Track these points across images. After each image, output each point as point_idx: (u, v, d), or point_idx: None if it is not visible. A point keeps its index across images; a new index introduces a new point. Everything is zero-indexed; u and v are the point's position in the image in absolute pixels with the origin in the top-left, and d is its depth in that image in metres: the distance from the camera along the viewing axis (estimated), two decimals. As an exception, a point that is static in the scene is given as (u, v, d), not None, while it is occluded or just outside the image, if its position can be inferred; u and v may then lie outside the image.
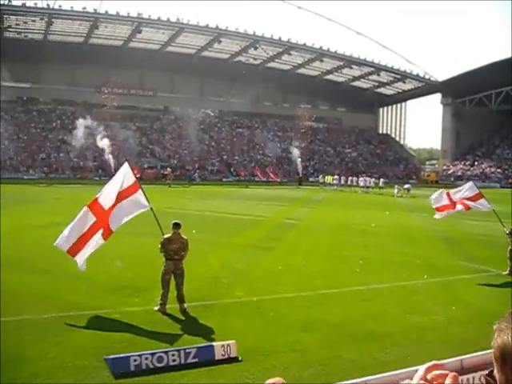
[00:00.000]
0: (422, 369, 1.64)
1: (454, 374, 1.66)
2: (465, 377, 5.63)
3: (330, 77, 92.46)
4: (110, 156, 61.69)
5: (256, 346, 8.72)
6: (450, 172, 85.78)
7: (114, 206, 11.05)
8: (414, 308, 11.28)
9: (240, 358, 8.21)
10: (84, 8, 70.05)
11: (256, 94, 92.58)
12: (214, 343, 8.38)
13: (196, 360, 8.01)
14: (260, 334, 9.32)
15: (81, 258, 10.99)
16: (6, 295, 11.35)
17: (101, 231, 10.98)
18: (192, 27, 75.44)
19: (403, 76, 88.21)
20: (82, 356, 8.16)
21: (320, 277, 13.96)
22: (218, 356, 8.15)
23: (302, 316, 10.44)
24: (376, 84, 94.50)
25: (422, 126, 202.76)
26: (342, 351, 8.65)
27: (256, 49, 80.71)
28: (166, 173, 62.25)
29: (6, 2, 66.90)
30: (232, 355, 8.21)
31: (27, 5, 67.80)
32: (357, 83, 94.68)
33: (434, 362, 1.88)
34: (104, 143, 69.35)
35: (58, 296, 11.44)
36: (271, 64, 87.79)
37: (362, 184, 58.42)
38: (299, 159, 72.86)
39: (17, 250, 16.84)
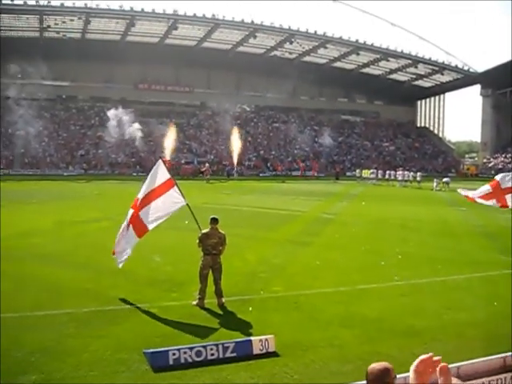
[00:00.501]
0: (416, 361, 1.63)
1: (444, 364, 1.64)
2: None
3: (366, 70, 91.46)
4: (147, 152, 62.32)
5: (294, 341, 8.72)
6: (490, 165, 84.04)
7: (147, 204, 11.19)
8: (453, 303, 11.11)
9: (278, 353, 8.22)
10: (120, 6, 70.87)
11: (292, 88, 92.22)
12: (252, 338, 8.41)
13: (234, 354, 8.05)
14: (298, 329, 9.31)
15: (118, 254, 11.21)
16: (48, 289, 11.63)
17: (131, 228, 11.14)
18: (227, 23, 75.56)
19: (441, 68, 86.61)
20: (122, 349, 8.29)
21: (358, 272, 13.88)
22: (256, 350, 8.17)
23: (340, 311, 10.40)
24: (414, 76, 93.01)
25: (461, 118, 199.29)
26: (380, 347, 8.58)
27: (291, 43, 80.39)
28: (203, 169, 61.12)
29: (46, 3, 68.06)
30: (270, 350, 8.23)
31: (65, 5, 68.90)
32: (394, 76, 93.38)
33: (429, 355, 1.86)
34: (141, 139, 70.20)
35: (99, 290, 11.63)
36: (307, 58, 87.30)
37: (399, 178, 57.80)
38: (336, 153, 72.44)
39: (58, 246, 17.19)
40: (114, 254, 11.46)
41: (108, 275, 12.81)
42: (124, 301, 10.80)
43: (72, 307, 10.29)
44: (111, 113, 75.45)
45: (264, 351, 8.19)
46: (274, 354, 8.18)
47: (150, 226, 11.21)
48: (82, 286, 11.94)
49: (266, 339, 8.28)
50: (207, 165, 62.98)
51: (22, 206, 29.11)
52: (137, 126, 72.60)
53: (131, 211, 11.34)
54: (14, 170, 66.23)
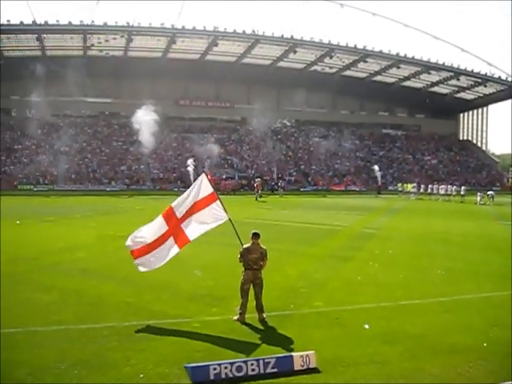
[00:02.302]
0: None
1: None
2: None
3: (407, 83, 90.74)
4: (189, 167, 62.74)
5: (335, 357, 8.61)
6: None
7: (189, 215, 11.27)
8: (499, 320, 10.80)
9: (319, 369, 8.14)
10: (162, 24, 72.09)
11: (332, 102, 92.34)
12: (293, 353, 8.33)
13: (275, 370, 7.98)
14: (339, 345, 9.20)
15: (144, 262, 11.25)
16: (91, 303, 11.79)
17: (171, 239, 11.22)
18: (267, 38, 76.07)
19: (484, 79, 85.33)
20: (163, 363, 8.31)
21: (401, 287, 13.67)
22: (297, 366, 8.09)
23: (382, 327, 10.24)
24: (456, 89, 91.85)
25: (505, 130, 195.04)
26: (424, 364, 8.40)
27: (331, 57, 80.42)
28: (255, 184, 55.99)
29: (90, 22, 69.68)
30: (311, 366, 8.14)
31: (108, 23, 70.41)
32: (435, 89, 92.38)
33: None
34: (183, 155, 70.88)
35: (141, 304, 11.72)
36: (347, 72, 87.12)
37: (442, 192, 56.96)
38: (378, 168, 71.84)
39: (101, 260, 17.44)
40: (135, 257, 11.40)
41: (149, 289, 12.92)
42: (165, 315, 10.86)
43: (114, 321, 10.40)
44: (153, 129, 76.56)
45: (305, 367, 8.10)
46: (314, 371, 8.08)
47: (192, 238, 11.29)
48: (124, 299, 12.06)
49: (307, 355, 8.20)
50: (259, 179, 59.97)
51: (66, 221, 29.70)
52: (178, 141, 73.48)
53: (162, 220, 11.37)
54: (59, 186, 67.61)
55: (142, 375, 7.85)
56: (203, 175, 11.76)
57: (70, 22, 69.74)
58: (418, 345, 9.26)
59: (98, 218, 32.55)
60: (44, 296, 12.35)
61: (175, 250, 11.24)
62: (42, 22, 68.99)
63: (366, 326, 8.72)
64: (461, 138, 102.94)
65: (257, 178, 63.99)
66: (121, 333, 9.73)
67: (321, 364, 8.22)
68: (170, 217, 11.31)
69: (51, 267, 15.93)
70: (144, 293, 12.72)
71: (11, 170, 69.64)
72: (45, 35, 71.55)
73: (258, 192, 53.19)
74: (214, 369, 7.79)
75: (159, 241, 11.15)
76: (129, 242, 11.33)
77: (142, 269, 11.37)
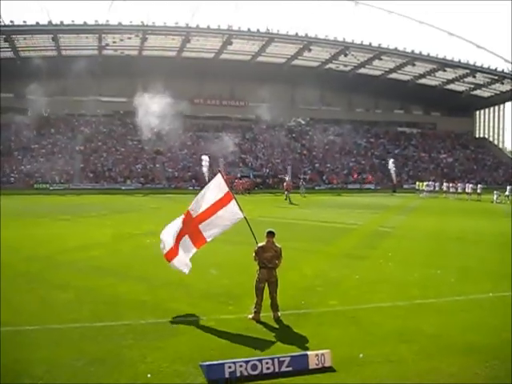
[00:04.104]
0: None
1: None
2: None
3: (422, 81, 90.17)
4: (204, 166, 62.79)
5: (351, 356, 8.58)
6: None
7: (205, 215, 11.31)
8: (517, 320, 10.72)
9: (334, 368, 8.12)
10: (176, 23, 72.25)
11: (347, 100, 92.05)
12: (308, 352, 8.32)
13: (290, 368, 7.97)
14: (355, 344, 9.16)
15: (179, 263, 11.32)
16: (106, 301, 11.85)
17: (187, 238, 11.26)
18: (281, 37, 75.99)
19: (501, 77, 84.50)
20: (179, 361, 8.34)
21: (416, 286, 13.59)
22: (312, 365, 8.07)
23: (398, 326, 10.19)
24: (472, 86, 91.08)
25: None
26: (440, 363, 8.35)
27: (346, 55, 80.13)
28: (286, 184, 50.31)
29: (105, 22, 70.03)
30: (326, 365, 8.12)
31: (123, 23, 70.73)
32: (451, 86, 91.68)
33: None
34: (198, 154, 70.99)
35: (156, 303, 11.76)
36: (362, 70, 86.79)
37: (458, 190, 56.60)
38: (393, 166, 71.51)
39: (116, 258, 17.53)
40: (169, 260, 11.48)
41: (165, 288, 12.97)
42: (180, 313, 10.89)
43: (130, 319, 10.45)
44: (168, 127, 76.80)
45: (320, 366, 8.09)
46: (330, 369, 8.06)
47: (209, 238, 11.34)
48: (140, 298, 12.11)
49: (323, 354, 8.19)
50: (288, 179, 55.60)
51: (82, 220, 29.90)
52: (193, 140, 73.65)
53: (179, 221, 11.43)
54: (74, 184, 68.08)
55: (157, 373, 7.89)
56: (219, 174, 11.79)
57: (85, 22, 70.13)
58: (434, 344, 9.20)
59: (113, 216, 32.73)
60: (60, 294, 12.44)
61: (193, 250, 11.30)
62: (58, 23, 69.48)
63: (361, 356, 8.66)
64: (477, 136, 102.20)
65: (284, 177, 61.07)
66: (136, 331, 9.78)
67: (336, 363, 8.20)
68: (186, 217, 11.40)
69: (67, 265, 16.05)
70: (159, 291, 12.77)
71: (27, 169, 70.19)
72: (60, 35, 72.01)
73: (287, 192, 47.06)
74: (229, 367, 7.80)
75: (179, 238, 11.23)
76: (161, 246, 11.48)
77: (184, 270, 11.43)
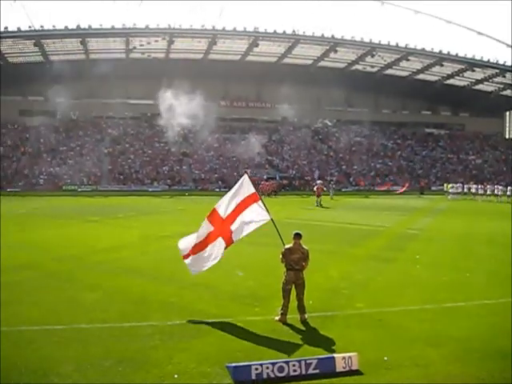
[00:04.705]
0: None
1: None
2: None
3: (450, 81, 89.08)
4: (230, 168, 62.92)
5: (377, 359, 8.52)
6: None
7: (234, 216, 11.34)
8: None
9: (361, 371, 8.08)
10: (202, 26, 72.62)
11: (374, 101, 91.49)
12: (335, 355, 8.29)
13: (317, 371, 7.95)
14: (382, 347, 9.09)
15: (194, 263, 11.36)
16: (134, 302, 11.96)
17: (220, 240, 11.29)
18: (308, 38, 75.85)
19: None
20: (205, 362, 8.36)
21: (445, 289, 13.46)
22: (339, 368, 8.04)
23: (426, 330, 10.09)
24: (501, 86, 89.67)
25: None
26: (469, 368, 8.24)
27: (373, 56, 79.56)
28: (316, 187, 46.57)
29: (132, 25, 70.68)
30: (353, 368, 8.08)
31: (150, 26, 71.30)
32: (480, 86, 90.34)
33: None
34: (224, 155, 71.17)
35: (183, 304, 11.83)
36: (389, 71, 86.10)
37: (488, 192, 55.84)
38: (420, 168, 70.85)
39: (144, 259, 17.66)
40: (184, 258, 11.56)
41: (192, 289, 13.02)
42: (208, 314, 10.94)
43: (157, 320, 10.52)
44: (194, 129, 77.25)
45: (347, 369, 8.05)
46: (357, 372, 8.02)
47: (235, 239, 11.38)
48: (167, 299, 12.19)
49: (350, 357, 8.15)
50: (320, 182, 52.11)
51: (110, 221, 30.19)
52: (220, 142, 73.90)
53: (207, 222, 11.48)
54: (102, 186, 68.77)
55: (183, 374, 7.93)
56: (245, 176, 11.82)
57: (112, 26, 70.83)
58: (463, 348, 9.09)
59: (140, 218, 33.00)
60: (89, 294, 12.59)
61: (222, 250, 11.32)
62: (86, 27, 70.33)
63: (386, 359, 8.58)
64: (507, 137, 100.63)
65: (318, 180, 59.30)
66: (163, 331, 9.84)
67: (363, 366, 8.16)
68: (214, 218, 11.40)
69: (96, 266, 16.23)
70: (186, 292, 12.83)
71: (56, 171, 71.10)
72: (88, 39, 72.82)
73: (319, 197, 44.15)
74: (256, 369, 7.80)
75: (208, 240, 11.26)
76: (180, 247, 11.60)
77: (193, 270, 11.53)
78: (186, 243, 11.55)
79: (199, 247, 11.28)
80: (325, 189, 50.65)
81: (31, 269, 15.70)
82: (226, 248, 11.34)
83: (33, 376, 7.81)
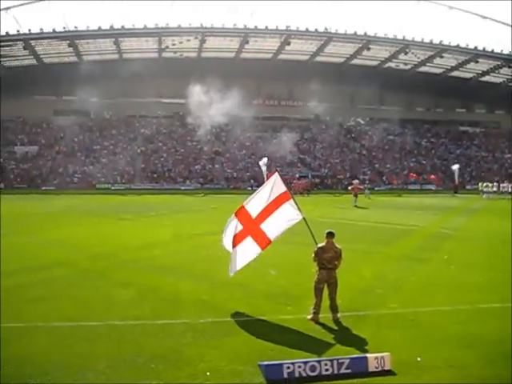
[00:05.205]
0: None
1: None
2: None
3: (486, 78, 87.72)
4: (262, 166, 62.91)
5: (410, 360, 8.43)
6: None
7: (265, 216, 11.31)
8: None
9: (394, 371, 8.01)
10: (234, 24, 72.77)
11: (407, 99, 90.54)
12: (367, 355, 8.23)
13: (349, 371, 7.91)
14: (414, 348, 9.00)
15: (231, 264, 11.40)
16: (167, 299, 12.05)
17: (250, 239, 11.28)
18: (340, 36, 75.51)
19: None
20: (237, 361, 8.38)
21: (479, 290, 13.25)
22: (372, 368, 7.99)
23: (459, 331, 9.94)
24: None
25: None
26: (503, 371, 8.07)
27: (406, 53, 78.81)
28: (351, 187, 46.11)
29: (164, 25, 71.21)
30: (386, 368, 8.01)
31: (182, 26, 71.73)
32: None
33: None
34: (256, 154, 71.12)
35: (215, 302, 11.88)
36: (422, 68, 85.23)
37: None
38: (455, 166, 69.91)
39: (176, 257, 17.78)
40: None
41: (224, 287, 13.06)
42: (239, 313, 10.98)
43: (189, 317, 10.57)
44: (226, 128, 77.48)
45: (379, 369, 7.99)
46: (389, 373, 7.95)
47: (272, 238, 11.33)
48: (199, 297, 12.25)
49: (382, 357, 8.09)
50: (356, 181, 50.44)
51: (143, 219, 30.48)
52: (252, 140, 73.91)
53: (235, 219, 11.51)
54: (135, 185, 69.47)
55: (215, 372, 7.97)
56: (276, 174, 11.77)
57: (145, 26, 71.55)
58: (498, 351, 8.92)
59: (173, 216, 33.24)
60: (122, 291, 12.73)
61: (257, 250, 11.30)
62: (119, 27, 71.11)
63: (418, 359, 8.48)
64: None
65: (354, 179, 58.13)
66: (196, 329, 9.89)
67: (396, 366, 8.09)
68: (244, 216, 11.39)
69: (129, 264, 16.41)
70: (218, 290, 12.87)
71: (90, 170, 72.09)
72: (121, 39, 73.63)
73: (355, 196, 42.96)
74: (288, 367, 7.80)
75: (238, 239, 11.27)
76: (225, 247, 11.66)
77: (231, 270, 11.46)
78: (225, 244, 11.59)
79: (233, 245, 11.33)
80: (362, 187, 50.16)
81: (66, 266, 15.96)
82: (263, 249, 11.29)
83: (68, 371, 7.94)
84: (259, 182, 58.75)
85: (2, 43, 71.44)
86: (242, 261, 11.30)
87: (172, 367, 8.15)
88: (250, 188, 64.52)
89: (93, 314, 10.77)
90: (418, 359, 8.42)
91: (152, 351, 8.74)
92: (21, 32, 70.13)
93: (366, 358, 8.11)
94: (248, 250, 11.25)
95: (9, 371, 7.96)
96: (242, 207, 11.50)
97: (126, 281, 13.90)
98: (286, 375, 7.74)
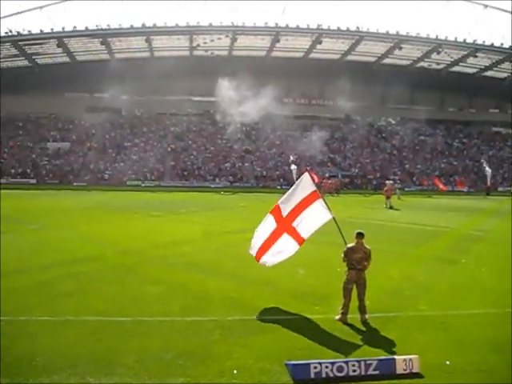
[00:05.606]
0: None
1: None
2: None
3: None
4: (292, 165, 62.81)
5: (439, 363, 8.35)
6: None
7: (295, 215, 11.34)
8: None
9: (422, 374, 7.94)
10: (266, 23, 72.74)
11: (439, 99, 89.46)
12: (395, 356, 8.19)
13: (377, 372, 7.88)
14: (443, 351, 8.91)
15: (267, 259, 11.48)
16: (196, 296, 12.12)
17: (285, 236, 11.33)
18: (372, 35, 74.93)
19: None
20: (264, 359, 8.41)
21: (510, 293, 13.04)
22: (400, 370, 7.94)
23: (490, 334, 9.80)
24: None
25: None
26: (535, 377, 7.97)
27: (439, 53, 77.82)
28: (385, 188, 42.93)
29: (196, 24, 71.59)
30: (414, 370, 7.96)
31: (213, 24, 71.98)
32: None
33: None
34: (286, 153, 70.99)
35: (244, 300, 11.92)
36: (455, 68, 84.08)
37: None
38: (487, 167, 68.88)
39: (205, 255, 17.85)
40: (257, 259, 11.66)
41: (253, 285, 13.11)
42: (267, 311, 10.99)
43: (218, 315, 10.64)
44: (256, 126, 77.46)
45: (408, 371, 7.94)
46: (418, 375, 7.91)
47: (306, 236, 11.35)
48: (228, 294, 12.30)
49: (410, 359, 8.03)
50: (390, 182, 48.12)
51: (173, 216, 30.67)
52: (282, 139, 73.72)
53: (271, 217, 11.56)
54: (165, 182, 69.90)
55: (243, 370, 8.00)
56: (306, 174, 11.78)
57: (176, 24, 71.93)
58: (530, 356, 8.79)
59: (203, 213, 33.37)
60: (151, 288, 12.84)
61: (295, 246, 11.35)
62: (151, 25, 71.67)
63: (447, 363, 8.38)
64: None
65: (387, 180, 56.93)
66: (224, 327, 9.95)
67: (424, 369, 8.03)
68: (277, 215, 11.53)
69: (158, 260, 16.53)
70: (247, 288, 12.92)
71: (120, 167, 72.79)
72: (153, 37, 74.17)
73: (388, 198, 40.91)
74: (315, 367, 7.80)
75: (274, 237, 11.40)
76: (251, 251, 11.74)
77: (267, 264, 11.57)
78: (254, 244, 11.67)
79: (267, 245, 11.43)
80: (396, 186, 49.39)
81: (96, 261, 16.16)
82: (300, 245, 11.35)
83: (96, 365, 8.08)
84: (289, 181, 58.75)
85: (36, 41, 72.66)
86: (280, 256, 11.38)
87: (200, 364, 8.21)
88: (279, 187, 64.49)
89: (121, 310, 10.89)
90: (447, 363, 8.33)
91: (180, 348, 8.82)
92: (54, 30, 71.19)
93: (394, 359, 8.07)
94: (286, 246, 11.34)
95: (40, 363, 8.15)
96: (277, 206, 11.59)
97: (155, 277, 14.02)
98: (312, 375, 7.75)
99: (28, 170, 71.74)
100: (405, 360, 8.01)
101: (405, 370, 7.94)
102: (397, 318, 10.85)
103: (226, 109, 69.23)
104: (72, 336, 9.31)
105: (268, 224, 11.56)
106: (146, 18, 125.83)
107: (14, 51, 74.51)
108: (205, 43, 76.46)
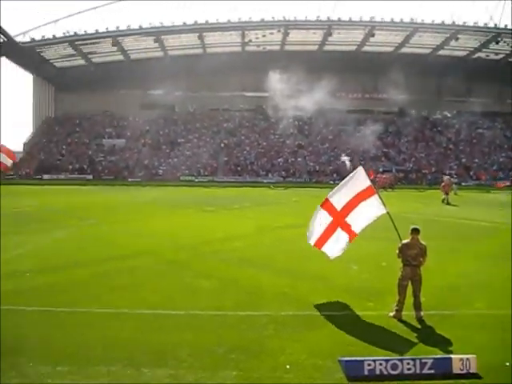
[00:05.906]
0: None
1: None
2: None
3: None
4: (346, 160, 62.24)
5: (498, 364, 8.11)
6: None
7: (349, 209, 11.25)
8: None
9: (480, 375, 7.73)
10: (318, 17, 72.30)
11: (497, 91, 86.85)
12: (452, 356, 8.00)
13: (432, 371, 7.72)
14: (502, 351, 8.63)
15: (329, 250, 11.50)
16: (249, 291, 12.17)
17: (339, 230, 11.28)
18: (426, 26, 73.43)
19: None
20: (318, 355, 8.37)
21: None
22: (456, 370, 7.76)
23: (552, 335, 9.47)
24: None
25: None
26: None
27: (498, 43, 75.41)
28: (443, 184, 41.10)
29: (248, 19, 71.74)
30: (471, 371, 7.75)
31: (265, 19, 71.98)
32: None
33: None
34: (339, 147, 70.42)
35: (297, 295, 11.88)
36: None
37: None
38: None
39: (258, 250, 17.88)
40: (319, 247, 11.66)
41: (306, 281, 13.06)
42: (321, 306, 10.93)
43: (271, 310, 10.64)
44: (310, 121, 77.09)
45: (464, 371, 7.75)
46: (475, 376, 7.70)
47: (358, 231, 11.33)
48: (281, 290, 12.28)
49: (467, 359, 7.83)
50: (448, 178, 45.97)
51: (225, 211, 30.83)
52: (335, 133, 73.07)
53: (323, 211, 11.50)
54: (218, 177, 70.43)
55: (296, 365, 7.97)
56: (360, 168, 11.65)
57: (228, 20, 72.26)
58: None
59: (255, 208, 33.46)
60: (204, 282, 12.94)
61: (347, 241, 11.36)
62: (203, 22, 72.22)
63: (507, 364, 8.10)
64: None
65: (443, 174, 56.14)
66: (277, 322, 9.94)
67: (482, 369, 7.82)
68: (331, 208, 11.44)
69: (211, 255, 16.65)
70: (300, 284, 12.88)
71: (175, 162, 73.73)
72: (205, 33, 74.70)
73: (446, 194, 39.38)
74: (369, 364, 7.71)
75: (329, 230, 11.38)
76: (309, 241, 11.70)
77: (331, 257, 11.60)
78: (311, 235, 11.65)
79: (324, 238, 11.43)
80: (452, 180, 48.26)
81: (151, 255, 16.40)
82: (350, 241, 11.34)
83: (151, 357, 8.23)
84: (342, 176, 58.01)
85: (92, 41, 74.29)
86: (337, 249, 11.39)
87: (253, 358, 8.24)
88: (332, 182, 63.99)
89: (175, 304, 11.02)
90: (507, 364, 8.09)
91: (233, 342, 8.86)
92: (109, 29, 72.62)
93: (450, 358, 7.90)
94: (340, 241, 11.33)
95: (97, 353, 8.37)
96: (327, 200, 11.49)
97: (208, 272, 14.12)
98: (366, 372, 7.66)
99: (85, 166, 73.61)
100: (461, 359, 7.82)
101: (461, 369, 7.76)
102: (453, 316, 10.61)
103: (278, 104, 69.25)
104: (127, 328, 9.50)
105: (322, 217, 11.46)
106: (198, 15, 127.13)
107: (70, 51, 76.45)
108: (257, 38, 76.53)
